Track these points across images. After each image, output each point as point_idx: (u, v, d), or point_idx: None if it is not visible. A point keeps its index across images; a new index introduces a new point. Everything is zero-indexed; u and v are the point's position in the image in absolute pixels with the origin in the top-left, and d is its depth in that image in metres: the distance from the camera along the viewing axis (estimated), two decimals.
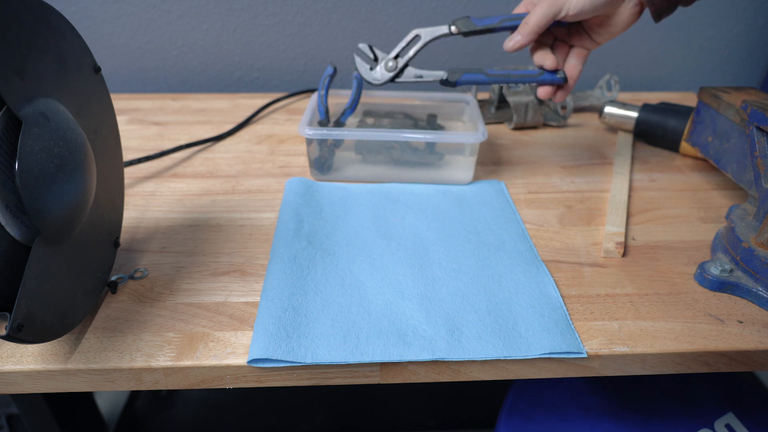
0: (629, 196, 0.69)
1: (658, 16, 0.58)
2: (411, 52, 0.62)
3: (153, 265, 0.55)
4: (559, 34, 0.62)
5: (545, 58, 0.61)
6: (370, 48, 0.63)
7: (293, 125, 0.88)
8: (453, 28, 0.60)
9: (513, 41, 0.59)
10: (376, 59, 0.63)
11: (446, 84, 0.61)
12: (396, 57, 0.62)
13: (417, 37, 0.61)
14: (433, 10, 0.98)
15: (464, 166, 0.69)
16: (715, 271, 0.52)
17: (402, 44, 0.61)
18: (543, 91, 0.62)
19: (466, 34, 0.60)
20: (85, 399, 0.89)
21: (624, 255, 0.58)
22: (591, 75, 1.06)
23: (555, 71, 0.61)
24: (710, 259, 0.55)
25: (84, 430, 0.87)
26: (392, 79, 0.63)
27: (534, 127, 0.88)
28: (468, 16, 0.60)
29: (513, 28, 0.60)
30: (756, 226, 0.54)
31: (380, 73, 0.62)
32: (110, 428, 0.99)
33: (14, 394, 0.74)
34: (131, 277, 0.53)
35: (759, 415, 0.65)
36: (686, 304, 0.51)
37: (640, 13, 0.57)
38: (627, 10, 0.56)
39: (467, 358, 0.44)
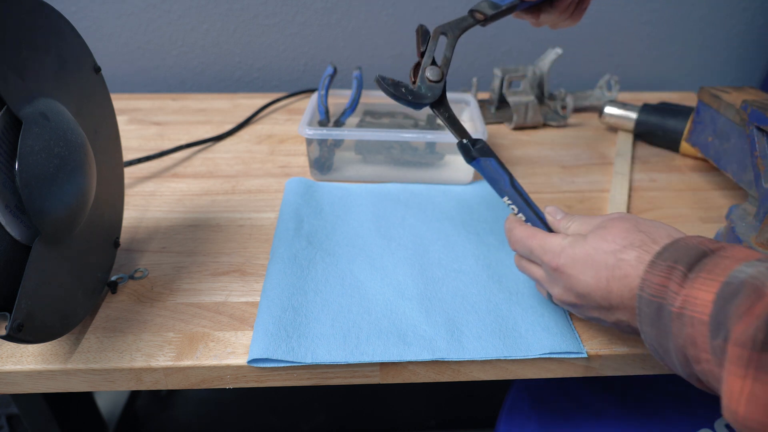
0: (629, 196, 0.69)
1: None
2: (449, 53, 0.50)
3: (153, 265, 0.55)
4: None
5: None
6: (425, 32, 0.50)
7: (293, 125, 0.88)
8: (478, 15, 0.51)
9: None
10: (423, 54, 0.49)
11: (462, 148, 0.48)
12: (433, 62, 0.49)
13: (442, 37, 0.50)
14: (434, 10, 0.98)
15: (464, 166, 0.69)
16: None
17: (432, 46, 0.50)
18: None
19: (491, 18, 0.51)
20: (85, 399, 0.89)
21: None
22: (591, 75, 1.06)
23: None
24: None
25: (84, 430, 0.86)
26: (442, 96, 0.48)
27: (534, 127, 0.88)
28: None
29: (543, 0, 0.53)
30: (756, 226, 0.54)
31: (426, 87, 0.48)
32: (110, 428, 0.99)
33: (14, 394, 0.74)
34: (131, 277, 0.53)
35: None
36: None
37: None
38: None
39: (467, 358, 0.44)
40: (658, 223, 0.40)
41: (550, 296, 0.45)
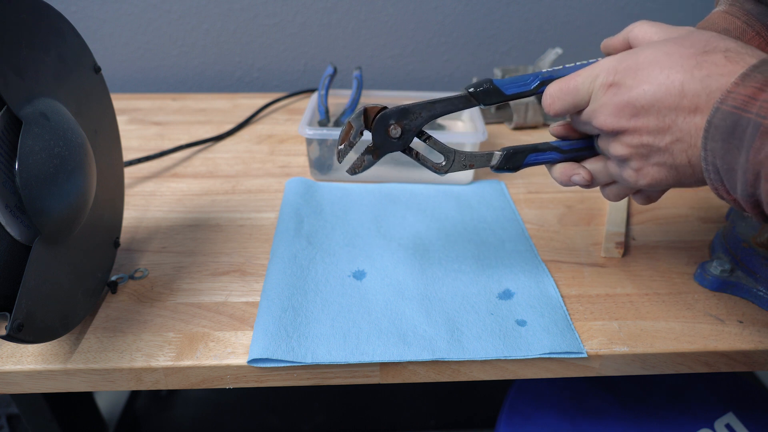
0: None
1: None
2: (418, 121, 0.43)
3: (153, 265, 0.55)
4: None
5: (576, 169, 0.43)
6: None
7: (293, 125, 0.88)
8: (473, 100, 0.42)
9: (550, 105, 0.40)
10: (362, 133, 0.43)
11: (503, 170, 0.43)
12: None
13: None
14: (434, 10, 0.98)
15: None
16: (715, 271, 0.52)
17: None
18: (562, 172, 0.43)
19: (488, 103, 0.42)
20: (85, 399, 0.89)
21: (624, 255, 0.58)
22: None
23: None
24: (710, 259, 0.55)
25: (84, 430, 0.86)
26: (401, 148, 0.44)
27: (534, 127, 0.88)
28: (490, 79, 0.42)
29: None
30: (756, 226, 0.54)
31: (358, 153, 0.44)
32: (110, 428, 0.99)
33: (14, 394, 0.74)
34: (131, 277, 0.53)
35: (759, 415, 0.65)
36: (686, 304, 0.51)
37: None
38: None
39: (467, 358, 0.44)
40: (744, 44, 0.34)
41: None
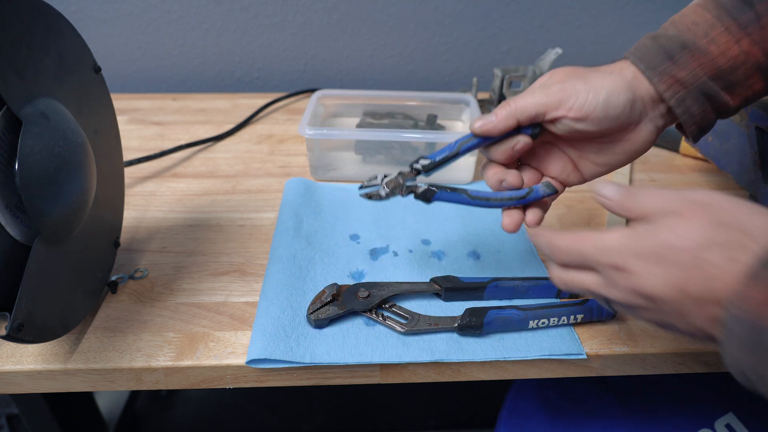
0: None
1: (696, 136, 0.42)
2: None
3: (153, 265, 0.55)
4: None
5: (506, 175, 0.44)
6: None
7: (293, 125, 0.88)
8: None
9: (483, 120, 0.42)
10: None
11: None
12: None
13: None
14: (434, 9, 0.98)
15: (464, 166, 0.69)
16: None
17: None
18: (510, 221, 0.44)
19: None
20: (85, 399, 0.89)
21: None
22: None
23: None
24: None
25: (84, 430, 0.86)
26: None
27: None
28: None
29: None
30: None
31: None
32: (110, 428, 0.99)
33: (14, 394, 0.74)
34: (131, 277, 0.53)
35: (759, 415, 0.64)
36: None
37: (661, 130, 0.42)
38: (646, 126, 0.41)
39: (467, 359, 0.44)
40: (748, 208, 0.31)
41: (609, 306, 0.38)
